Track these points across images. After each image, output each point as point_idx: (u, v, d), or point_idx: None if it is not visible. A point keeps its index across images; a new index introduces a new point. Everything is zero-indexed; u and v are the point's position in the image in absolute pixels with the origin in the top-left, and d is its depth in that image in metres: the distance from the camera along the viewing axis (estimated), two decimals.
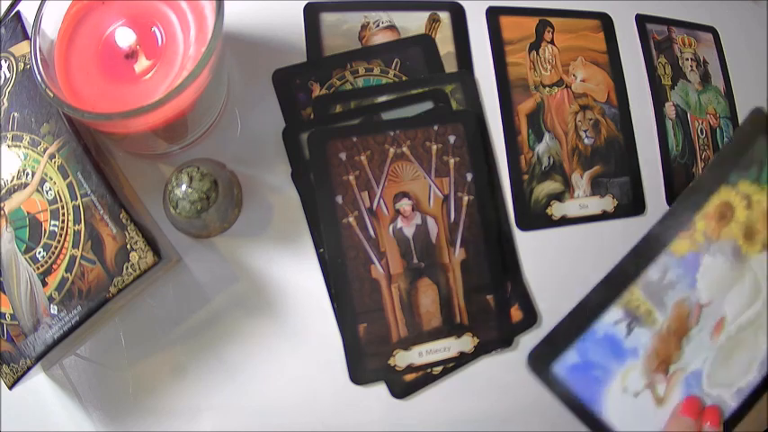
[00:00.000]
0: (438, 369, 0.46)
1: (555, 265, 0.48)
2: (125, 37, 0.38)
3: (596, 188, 0.50)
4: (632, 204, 0.51)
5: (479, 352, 0.45)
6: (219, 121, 0.46)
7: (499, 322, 0.46)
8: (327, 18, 0.49)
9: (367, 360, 0.45)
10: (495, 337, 0.46)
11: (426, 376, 0.45)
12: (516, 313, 0.47)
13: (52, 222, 0.39)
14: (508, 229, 0.48)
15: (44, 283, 0.39)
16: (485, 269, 0.46)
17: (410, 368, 0.45)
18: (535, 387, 0.47)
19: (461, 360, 0.46)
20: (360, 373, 0.45)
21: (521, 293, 0.47)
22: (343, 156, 0.46)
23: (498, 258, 0.46)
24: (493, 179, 0.48)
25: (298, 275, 0.45)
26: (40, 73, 0.36)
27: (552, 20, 0.52)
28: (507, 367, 0.47)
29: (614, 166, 0.51)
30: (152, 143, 0.43)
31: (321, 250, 0.45)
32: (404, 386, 0.45)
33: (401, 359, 0.45)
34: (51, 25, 0.38)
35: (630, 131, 0.52)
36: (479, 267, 0.46)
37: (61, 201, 0.39)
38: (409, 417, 0.45)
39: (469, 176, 0.47)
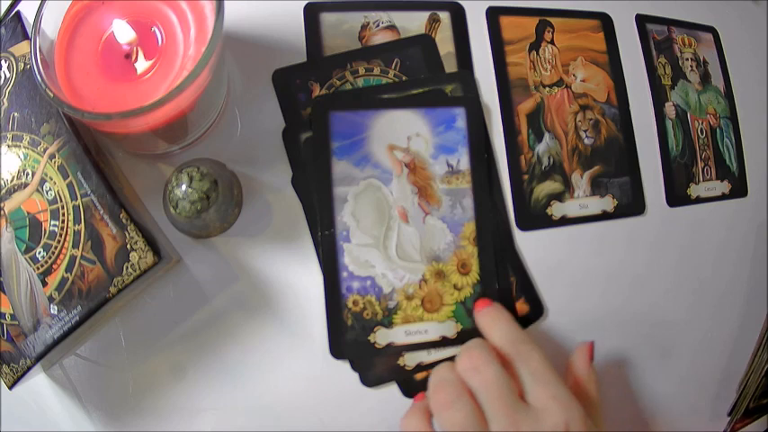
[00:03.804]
0: None
1: (554, 265, 0.48)
2: (123, 32, 0.38)
3: (596, 188, 0.50)
4: (632, 204, 0.51)
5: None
6: (219, 121, 0.46)
7: None
8: (327, 18, 0.49)
9: (376, 360, 0.45)
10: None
11: None
12: (522, 306, 0.47)
13: (52, 222, 0.39)
14: (507, 224, 0.48)
15: (44, 283, 0.39)
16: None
17: (419, 367, 0.45)
18: None
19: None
20: (369, 375, 0.45)
21: (526, 287, 0.47)
22: None
23: (490, 257, 0.46)
24: (492, 177, 0.48)
25: (298, 275, 0.45)
26: (40, 73, 0.36)
27: (552, 20, 0.52)
28: None
29: (614, 166, 0.51)
30: (152, 143, 0.43)
31: (320, 250, 0.45)
32: (414, 385, 0.45)
33: (410, 359, 0.45)
34: (51, 25, 0.38)
35: (630, 131, 0.52)
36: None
37: (61, 201, 0.39)
38: None
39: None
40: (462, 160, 0.47)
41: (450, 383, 0.39)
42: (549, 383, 0.39)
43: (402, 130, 0.46)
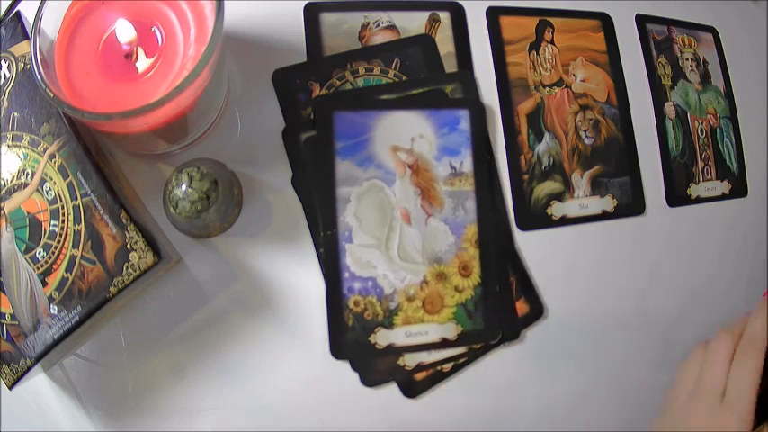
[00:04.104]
0: (448, 366, 0.46)
1: (554, 265, 0.48)
2: (125, 31, 0.38)
3: (596, 188, 0.50)
4: (632, 204, 0.51)
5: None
6: (219, 121, 0.46)
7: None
8: (327, 18, 0.49)
9: (376, 360, 0.45)
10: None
11: (436, 374, 0.46)
12: (522, 306, 0.47)
13: (52, 222, 0.39)
14: (507, 224, 0.48)
15: (44, 283, 0.39)
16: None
17: (419, 367, 0.45)
18: (541, 385, 0.47)
19: (469, 355, 0.46)
20: (369, 375, 0.45)
21: (526, 287, 0.47)
22: None
23: (492, 260, 0.46)
24: (493, 177, 0.48)
25: (298, 275, 0.45)
26: (40, 73, 0.36)
27: (552, 20, 0.52)
28: (515, 364, 0.47)
29: (614, 166, 0.51)
30: (152, 143, 0.43)
31: (321, 250, 0.45)
32: (414, 385, 0.45)
33: (410, 359, 0.45)
34: (51, 25, 0.38)
35: (630, 131, 0.52)
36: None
37: (61, 201, 0.39)
38: (410, 416, 0.45)
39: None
40: (465, 162, 0.47)
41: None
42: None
43: (406, 132, 0.46)
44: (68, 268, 0.39)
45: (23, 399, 0.43)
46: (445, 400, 0.46)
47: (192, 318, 0.44)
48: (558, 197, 0.49)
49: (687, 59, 0.55)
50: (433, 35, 0.50)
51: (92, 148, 0.41)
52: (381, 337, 0.44)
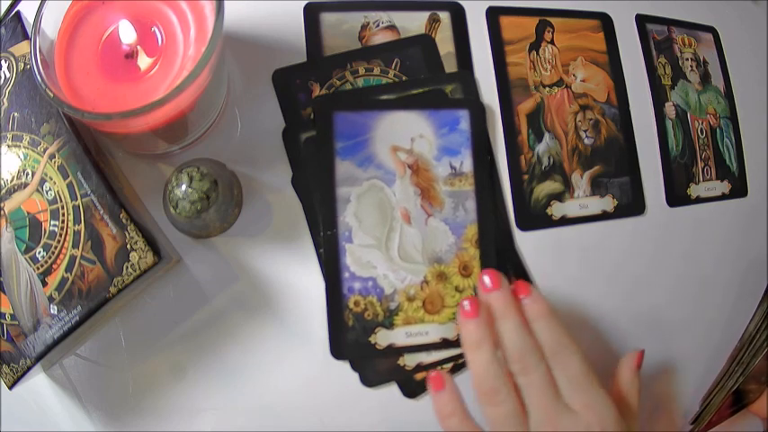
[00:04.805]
0: (448, 366, 0.46)
1: (554, 265, 0.48)
2: (127, 32, 0.38)
3: (596, 188, 0.50)
4: (632, 204, 0.51)
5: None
6: (219, 121, 0.46)
7: None
8: (327, 18, 0.49)
9: (376, 360, 0.45)
10: None
11: None
12: None
13: (52, 222, 0.39)
14: (507, 224, 0.48)
15: (44, 283, 0.39)
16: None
17: (419, 367, 0.45)
18: None
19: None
20: (369, 375, 0.45)
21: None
22: None
23: (492, 260, 0.46)
24: (493, 177, 0.48)
25: (298, 275, 0.45)
26: (40, 73, 0.36)
27: (552, 20, 0.52)
28: None
29: (614, 166, 0.51)
30: (152, 143, 0.43)
31: (321, 250, 0.45)
32: (414, 385, 0.45)
33: (410, 359, 0.45)
34: (51, 25, 0.38)
35: (630, 131, 0.52)
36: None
37: (61, 201, 0.39)
38: (410, 416, 0.45)
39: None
40: (465, 162, 0.47)
41: (497, 376, 0.39)
42: (584, 390, 0.39)
43: (406, 132, 0.47)
44: (68, 268, 0.39)
45: (23, 399, 0.43)
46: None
47: (192, 318, 0.44)
48: (558, 197, 0.49)
49: (687, 59, 0.55)
50: (433, 35, 0.50)
51: (92, 148, 0.41)
52: (381, 338, 0.44)
